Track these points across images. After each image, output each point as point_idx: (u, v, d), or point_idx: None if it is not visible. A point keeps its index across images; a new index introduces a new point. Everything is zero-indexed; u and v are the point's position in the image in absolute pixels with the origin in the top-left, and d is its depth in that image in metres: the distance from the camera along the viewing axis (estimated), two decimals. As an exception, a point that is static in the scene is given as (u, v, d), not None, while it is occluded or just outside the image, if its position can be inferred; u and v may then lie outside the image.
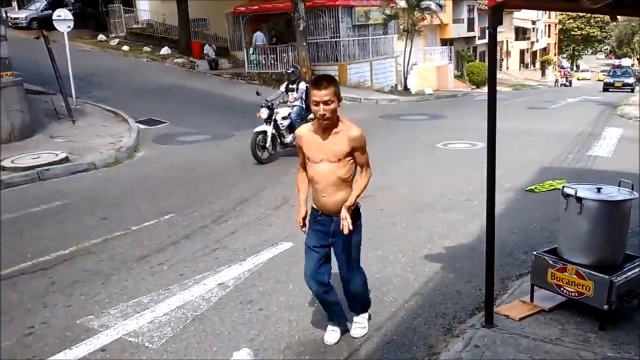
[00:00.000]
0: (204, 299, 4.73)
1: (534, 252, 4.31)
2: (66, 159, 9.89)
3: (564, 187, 4.18)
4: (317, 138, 3.60)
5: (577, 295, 3.99)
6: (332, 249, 3.81)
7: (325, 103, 3.44)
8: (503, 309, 4.24)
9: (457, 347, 3.75)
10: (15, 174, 9.03)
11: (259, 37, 24.90)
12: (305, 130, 3.70)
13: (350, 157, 3.60)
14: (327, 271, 3.82)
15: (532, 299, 4.30)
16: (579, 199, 3.96)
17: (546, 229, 6.19)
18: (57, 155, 9.98)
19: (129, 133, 12.54)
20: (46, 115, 13.20)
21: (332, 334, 4.01)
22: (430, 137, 12.73)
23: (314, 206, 3.77)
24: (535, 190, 8.00)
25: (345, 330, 4.07)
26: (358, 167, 3.70)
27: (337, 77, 24.21)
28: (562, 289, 4.07)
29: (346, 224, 3.49)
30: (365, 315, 4.18)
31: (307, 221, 3.79)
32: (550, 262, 4.14)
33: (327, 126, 3.54)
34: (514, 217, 6.84)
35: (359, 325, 4.11)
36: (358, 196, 3.65)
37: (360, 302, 4.12)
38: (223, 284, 5.02)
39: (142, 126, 13.64)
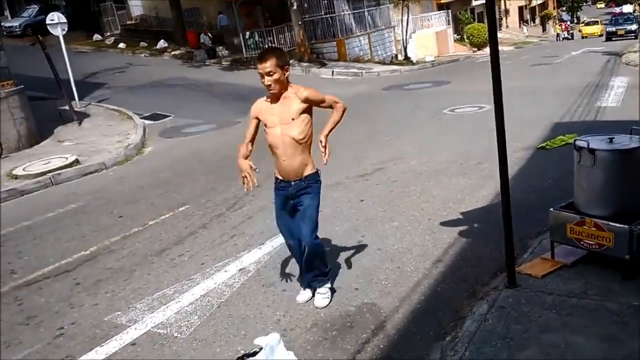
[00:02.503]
0: (227, 285, 4.78)
1: (551, 209, 4.29)
2: (76, 162, 9.94)
3: (575, 140, 4.15)
4: (269, 105, 3.86)
5: (597, 247, 3.98)
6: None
7: (268, 74, 3.68)
8: (525, 267, 4.24)
9: (482, 310, 3.76)
10: (28, 181, 9.09)
11: (223, 19, 24.91)
12: (261, 101, 3.95)
13: (304, 117, 3.79)
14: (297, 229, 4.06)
15: (552, 256, 4.29)
16: (592, 151, 3.93)
17: (561, 185, 6.15)
18: (67, 158, 10.02)
19: (135, 130, 12.56)
20: (51, 120, 13.23)
21: (303, 295, 4.31)
22: (436, 104, 12.65)
23: (276, 175, 4.01)
24: (547, 147, 7.95)
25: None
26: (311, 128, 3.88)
27: (336, 53, 24.17)
28: (582, 242, 4.06)
29: (325, 152, 3.84)
30: (328, 285, 4.24)
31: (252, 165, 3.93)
32: (568, 216, 4.12)
33: (277, 95, 3.78)
34: (528, 175, 6.82)
35: (322, 295, 4.19)
36: (333, 126, 3.95)
37: (316, 268, 4.15)
38: (244, 269, 5.06)
39: (147, 122, 13.64)
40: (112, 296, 4.87)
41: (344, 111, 3.96)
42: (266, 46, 23.53)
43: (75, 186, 9.05)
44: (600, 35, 39.92)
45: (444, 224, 5.59)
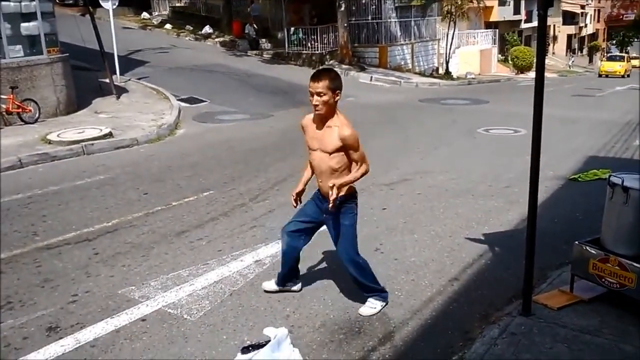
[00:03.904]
0: (241, 275, 4.81)
1: (576, 242, 4.22)
2: (110, 134, 10.11)
3: (610, 176, 4.07)
4: (314, 127, 3.87)
5: (618, 286, 3.90)
6: (326, 227, 4.11)
7: (318, 94, 3.67)
8: (541, 297, 4.18)
9: (493, 334, 3.71)
10: (61, 148, 9.28)
11: (255, 8, 25.23)
12: (307, 120, 3.97)
13: (342, 151, 3.78)
14: (303, 239, 4.17)
15: (571, 289, 4.22)
16: (626, 189, 3.86)
17: (589, 219, 6.04)
18: (101, 130, 10.21)
19: (171, 110, 12.73)
20: (91, 91, 13.49)
21: (271, 284, 4.46)
22: (472, 122, 12.54)
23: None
24: (579, 179, 7.82)
25: (285, 290, 4.44)
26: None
27: (377, 59, 24.11)
28: (603, 280, 3.99)
29: (332, 200, 3.67)
30: (381, 302, 4.16)
31: (299, 199, 4.11)
32: (593, 252, 4.05)
33: (322, 117, 3.78)
34: (556, 205, 6.71)
35: (370, 305, 4.14)
36: (349, 182, 3.82)
37: (361, 286, 4.14)
38: (260, 261, 5.08)
39: (183, 104, 13.81)
40: (128, 270, 4.94)
41: (364, 173, 3.87)
42: (309, 44, 23.63)
43: (106, 158, 9.21)
44: (626, 76, 32.81)
45: (464, 243, 5.54)
